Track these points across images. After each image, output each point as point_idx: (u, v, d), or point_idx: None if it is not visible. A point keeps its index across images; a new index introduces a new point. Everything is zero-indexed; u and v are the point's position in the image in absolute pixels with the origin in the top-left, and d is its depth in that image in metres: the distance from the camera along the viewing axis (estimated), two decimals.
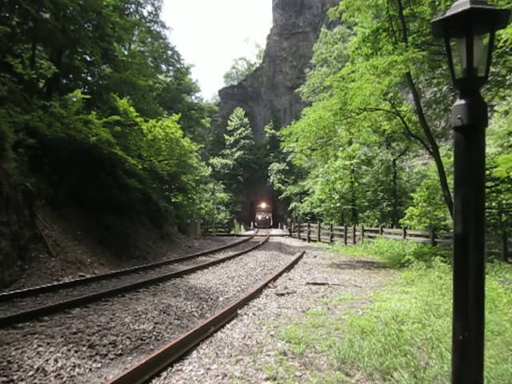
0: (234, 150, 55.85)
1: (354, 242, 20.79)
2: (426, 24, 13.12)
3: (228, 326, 5.63)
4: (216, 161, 53.89)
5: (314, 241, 26.70)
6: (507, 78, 13.00)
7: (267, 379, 3.68)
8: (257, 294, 7.75)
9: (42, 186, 11.70)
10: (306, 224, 30.60)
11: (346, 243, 21.49)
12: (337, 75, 15.71)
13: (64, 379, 3.89)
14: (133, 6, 28.47)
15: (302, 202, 39.66)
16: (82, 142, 13.07)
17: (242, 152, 55.17)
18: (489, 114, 15.22)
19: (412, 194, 20.66)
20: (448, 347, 3.84)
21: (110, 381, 3.43)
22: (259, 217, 53.06)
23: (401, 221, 20.52)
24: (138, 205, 16.53)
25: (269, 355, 4.32)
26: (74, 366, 4.16)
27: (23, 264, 9.06)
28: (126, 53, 23.74)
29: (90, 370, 4.16)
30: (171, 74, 35.47)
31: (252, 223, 52.95)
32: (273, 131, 53.96)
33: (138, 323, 5.69)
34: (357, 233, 21.14)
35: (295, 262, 13.40)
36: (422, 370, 3.59)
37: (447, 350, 3.83)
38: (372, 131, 20.44)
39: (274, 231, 41.79)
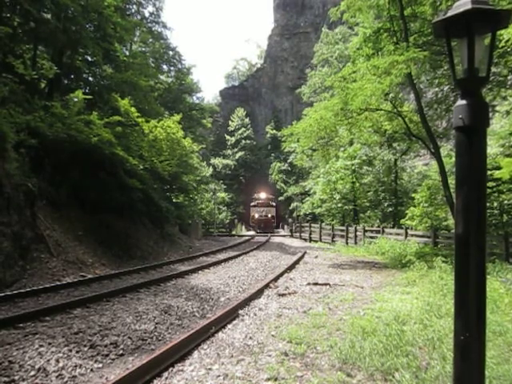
0: (235, 150, 55.78)
1: (356, 243, 20.78)
2: (428, 24, 13.10)
3: (229, 326, 5.63)
4: (217, 161, 53.84)
5: (316, 241, 26.67)
6: (508, 78, 12.98)
7: (268, 379, 3.68)
8: (258, 294, 7.74)
9: (43, 186, 11.70)
10: (307, 224, 30.57)
11: (347, 243, 21.47)
12: (338, 75, 15.68)
13: (65, 379, 3.89)
14: (134, 6, 28.59)
15: (303, 203, 39.57)
16: (84, 142, 13.08)
17: (243, 152, 55.08)
18: (490, 114, 15.12)
19: (413, 195, 20.64)
20: (449, 347, 3.84)
21: (112, 381, 3.44)
22: (256, 215, 38.41)
23: (402, 221, 20.49)
24: (139, 205, 16.52)
25: (270, 355, 4.32)
26: (76, 366, 4.16)
27: (25, 264, 9.07)
28: (127, 53, 23.77)
29: (92, 370, 4.17)
30: (172, 74, 35.48)
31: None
32: (274, 131, 53.85)
33: (140, 323, 5.69)
34: (358, 233, 21.12)
35: (296, 262, 13.39)
36: (424, 371, 3.59)
37: (449, 350, 3.83)
38: (373, 131, 20.39)
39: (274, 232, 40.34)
